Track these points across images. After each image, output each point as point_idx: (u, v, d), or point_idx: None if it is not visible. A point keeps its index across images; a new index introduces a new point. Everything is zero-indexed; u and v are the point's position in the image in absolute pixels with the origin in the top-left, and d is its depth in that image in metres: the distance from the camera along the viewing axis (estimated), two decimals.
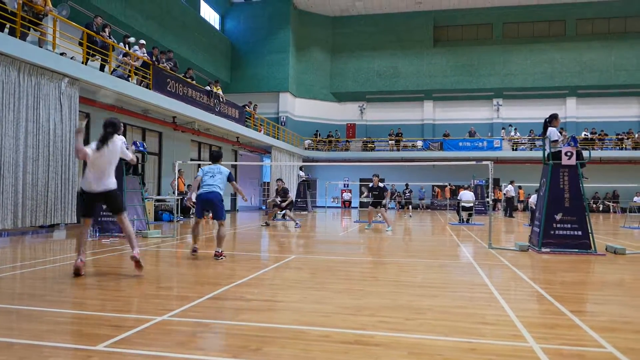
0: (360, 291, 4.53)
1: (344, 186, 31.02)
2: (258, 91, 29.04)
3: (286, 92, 29.30)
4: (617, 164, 27.02)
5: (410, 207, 23.84)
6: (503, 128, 29.20)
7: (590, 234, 7.52)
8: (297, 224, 13.30)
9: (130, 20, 18.74)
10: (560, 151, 7.77)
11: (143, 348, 2.79)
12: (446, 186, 27.35)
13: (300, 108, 30.84)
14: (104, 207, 5.39)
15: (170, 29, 22.00)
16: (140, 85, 13.74)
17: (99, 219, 9.45)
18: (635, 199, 22.17)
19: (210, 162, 7.12)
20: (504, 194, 21.39)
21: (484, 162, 8.81)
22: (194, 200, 6.82)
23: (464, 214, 15.45)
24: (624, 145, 26.81)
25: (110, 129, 5.25)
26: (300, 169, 23.00)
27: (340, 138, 30.75)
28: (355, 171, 29.92)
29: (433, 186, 28.97)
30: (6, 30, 9.56)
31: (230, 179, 6.83)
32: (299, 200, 22.62)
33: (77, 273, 5.02)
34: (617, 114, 28.88)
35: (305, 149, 29.30)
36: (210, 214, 7.48)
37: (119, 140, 5.37)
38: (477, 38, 30.39)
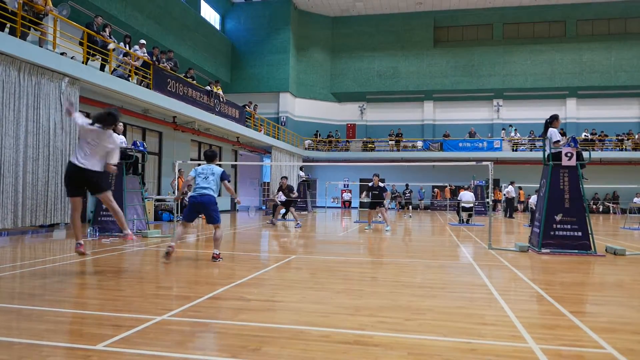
0: (359, 291, 4.54)
1: (344, 186, 31.01)
2: (258, 91, 29.05)
3: (286, 92, 29.29)
4: (617, 164, 27.02)
5: (410, 207, 23.86)
6: (503, 129, 29.18)
7: (590, 235, 7.52)
8: (298, 223, 13.34)
9: (130, 20, 18.74)
10: (560, 152, 7.77)
11: (143, 348, 2.79)
12: (446, 187, 27.35)
13: (300, 108, 30.84)
14: (89, 191, 5.41)
15: (171, 29, 22.00)
16: (140, 85, 13.75)
17: (99, 218, 9.46)
18: (635, 200, 22.14)
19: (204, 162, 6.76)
20: (505, 195, 21.37)
21: (484, 163, 8.80)
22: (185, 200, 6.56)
23: (464, 215, 15.46)
24: (624, 146, 26.80)
25: (109, 118, 5.34)
26: (301, 169, 22.99)
27: (340, 138, 30.74)
28: (355, 171, 29.92)
29: (433, 187, 28.96)
30: (6, 29, 9.57)
31: (223, 178, 6.37)
32: (299, 200, 22.58)
33: (80, 253, 5.49)
34: (617, 114, 28.89)
35: (306, 149, 29.31)
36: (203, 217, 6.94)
37: (116, 138, 5.39)
38: (478, 39, 30.36)
